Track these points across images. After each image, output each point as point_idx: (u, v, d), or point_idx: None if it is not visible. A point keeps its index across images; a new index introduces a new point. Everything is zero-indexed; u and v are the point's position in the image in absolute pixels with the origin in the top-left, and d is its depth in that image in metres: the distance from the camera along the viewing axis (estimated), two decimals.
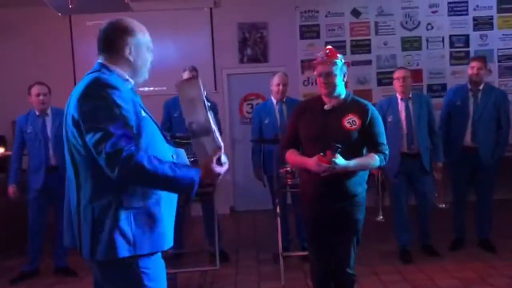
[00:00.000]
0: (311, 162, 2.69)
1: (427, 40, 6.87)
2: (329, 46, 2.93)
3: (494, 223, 4.74)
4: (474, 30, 6.85)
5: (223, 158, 1.93)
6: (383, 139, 2.83)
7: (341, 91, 2.87)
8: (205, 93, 1.95)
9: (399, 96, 4.44)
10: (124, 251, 1.83)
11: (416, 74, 6.87)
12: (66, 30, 6.72)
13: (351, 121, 2.77)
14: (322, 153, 2.63)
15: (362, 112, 2.81)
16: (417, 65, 6.86)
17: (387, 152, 2.82)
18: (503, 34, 6.85)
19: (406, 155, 4.38)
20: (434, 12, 6.85)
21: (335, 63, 2.81)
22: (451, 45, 6.87)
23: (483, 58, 4.66)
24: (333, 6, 6.83)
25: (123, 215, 1.83)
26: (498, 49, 6.86)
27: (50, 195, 4.40)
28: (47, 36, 6.64)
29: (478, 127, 4.49)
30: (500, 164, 4.61)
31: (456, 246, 4.68)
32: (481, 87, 4.54)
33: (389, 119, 4.40)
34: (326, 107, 2.87)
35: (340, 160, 2.62)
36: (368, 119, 2.79)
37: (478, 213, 4.66)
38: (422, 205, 4.56)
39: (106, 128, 1.75)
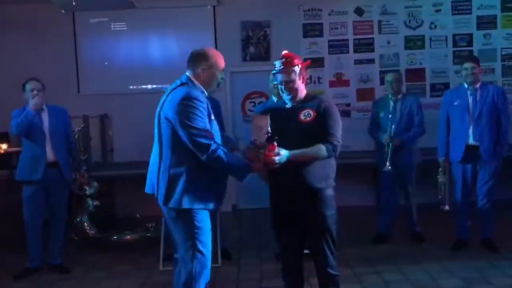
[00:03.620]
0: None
1: (430, 39, 6.86)
2: (285, 52, 3.02)
3: (497, 223, 4.72)
4: (478, 29, 6.84)
5: None
6: (335, 130, 2.89)
7: (302, 92, 2.99)
8: (270, 124, 2.77)
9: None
10: (187, 204, 2.74)
11: (419, 73, 6.88)
12: (70, 27, 6.72)
13: (306, 114, 2.90)
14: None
15: (317, 105, 2.91)
16: (420, 64, 6.86)
17: (336, 143, 2.87)
18: (507, 34, 6.84)
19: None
20: (437, 11, 6.84)
21: (293, 70, 2.93)
22: (454, 44, 6.86)
23: (474, 58, 4.67)
24: (336, 4, 6.83)
25: (190, 180, 2.73)
26: (502, 48, 6.85)
27: (46, 190, 4.43)
28: (50, 33, 6.66)
29: (478, 126, 4.48)
30: (502, 163, 4.60)
31: (459, 246, 4.67)
32: (478, 85, 4.54)
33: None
34: (287, 106, 3.01)
35: (283, 151, 2.73)
36: (322, 110, 2.89)
37: (480, 213, 4.64)
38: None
39: (199, 127, 2.68)
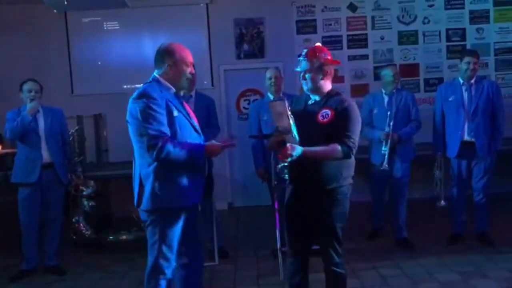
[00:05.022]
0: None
1: (423, 34, 6.87)
2: (317, 44, 3.06)
3: (492, 217, 4.74)
4: (471, 23, 6.85)
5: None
6: (351, 132, 2.83)
7: (323, 87, 2.96)
8: (289, 108, 2.76)
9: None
10: (155, 205, 2.71)
11: (413, 68, 6.88)
12: (62, 27, 6.69)
13: (324, 114, 2.86)
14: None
15: (337, 105, 2.87)
16: (414, 59, 6.87)
17: (352, 145, 2.82)
18: (499, 28, 6.86)
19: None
20: (430, 6, 6.85)
21: (313, 61, 2.91)
22: (448, 39, 6.87)
23: (476, 52, 4.63)
24: (329, 0, 6.82)
25: (156, 182, 2.69)
26: (495, 42, 6.86)
27: (42, 192, 4.42)
28: (43, 33, 6.62)
29: (474, 121, 4.48)
30: (496, 156, 4.61)
31: (455, 240, 4.68)
32: (472, 80, 4.53)
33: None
34: (309, 102, 2.99)
35: (297, 150, 2.67)
36: (340, 110, 2.84)
37: (476, 208, 4.66)
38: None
39: (145, 126, 2.61)
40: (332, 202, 2.88)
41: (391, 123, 4.51)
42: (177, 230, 2.79)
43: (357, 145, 2.86)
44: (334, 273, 2.96)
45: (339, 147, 2.77)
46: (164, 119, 2.65)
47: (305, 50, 2.97)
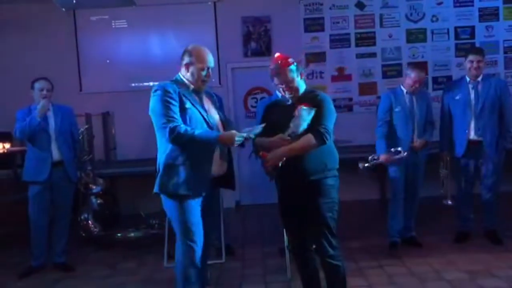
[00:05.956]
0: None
1: (432, 32, 6.84)
2: (277, 54, 3.11)
3: (500, 215, 4.71)
4: (480, 21, 6.81)
5: None
6: (323, 119, 2.92)
7: (301, 88, 3.09)
8: (310, 117, 2.85)
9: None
10: (162, 188, 2.95)
11: (421, 67, 6.79)
12: (71, 25, 6.73)
13: (299, 109, 2.95)
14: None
15: (311, 99, 2.98)
16: (422, 57, 6.83)
17: (322, 130, 2.89)
18: (509, 25, 6.82)
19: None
20: (439, 3, 6.82)
21: (290, 70, 3.00)
22: (457, 37, 6.83)
23: (481, 50, 4.59)
24: None
25: (166, 167, 2.95)
26: (504, 40, 6.82)
27: (52, 190, 4.45)
28: (51, 31, 6.66)
29: (481, 120, 4.45)
30: (505, 155, 4.58)
31: (461, 239, 4.66)
32: (479, 78, 4.50)
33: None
34: (288, 102, 3.09)
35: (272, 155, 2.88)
36: (315, 103, 2.93)
37: (485, 206, 4.63)
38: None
39: (161, 114, 2.88)
40: (319, 193, 2.94)
41: (416, 127, 4.43)
42: (190, 216, 2.95)
43: (330, 131, 2.93)
44: (329, 265, 3.00)
45: (310, 135, 2.87)
46: (176, 109, 2.90)
47: (275, 65, 3.02)
